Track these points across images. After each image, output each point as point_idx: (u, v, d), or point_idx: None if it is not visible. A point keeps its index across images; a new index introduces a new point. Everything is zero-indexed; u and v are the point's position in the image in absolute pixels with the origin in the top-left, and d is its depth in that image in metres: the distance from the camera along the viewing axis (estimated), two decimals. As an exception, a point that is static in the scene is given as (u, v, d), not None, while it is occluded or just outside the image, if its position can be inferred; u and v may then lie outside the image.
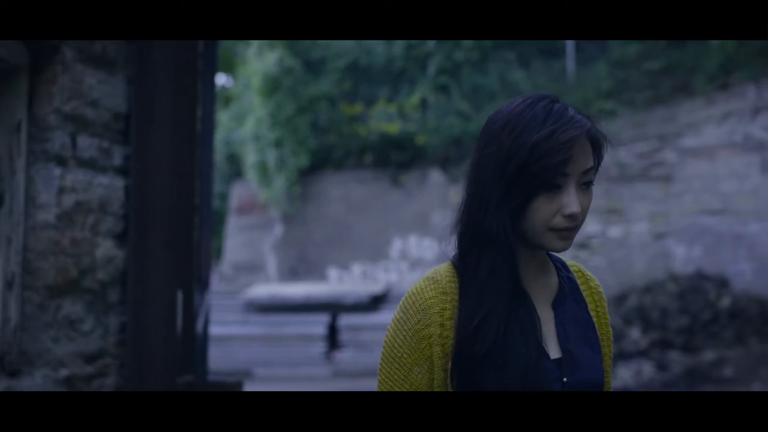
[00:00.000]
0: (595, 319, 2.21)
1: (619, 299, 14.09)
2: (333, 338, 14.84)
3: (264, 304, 15.17)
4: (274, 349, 14.69)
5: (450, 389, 2.03)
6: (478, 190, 2.07)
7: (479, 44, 15.88)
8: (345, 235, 15.71)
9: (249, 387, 12.75)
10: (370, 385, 12.69)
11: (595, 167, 2.07)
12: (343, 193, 15.79)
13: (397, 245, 15.48)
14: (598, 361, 2.15)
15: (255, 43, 16.17)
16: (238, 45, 18.03)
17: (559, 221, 2.01)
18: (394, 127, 15.45)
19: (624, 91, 15.37)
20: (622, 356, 12.71)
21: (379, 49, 16.20)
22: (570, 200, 2.01)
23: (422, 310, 2.06)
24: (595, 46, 15.86)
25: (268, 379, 13.95)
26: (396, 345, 2.08)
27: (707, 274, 14.09)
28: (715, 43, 15.64)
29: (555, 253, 2.24)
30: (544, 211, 2.01)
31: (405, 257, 15.44)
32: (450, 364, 2.03)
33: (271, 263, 16.18)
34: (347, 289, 15.15)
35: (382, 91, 16.05)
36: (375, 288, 15.10)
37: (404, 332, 2.07)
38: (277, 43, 15.67)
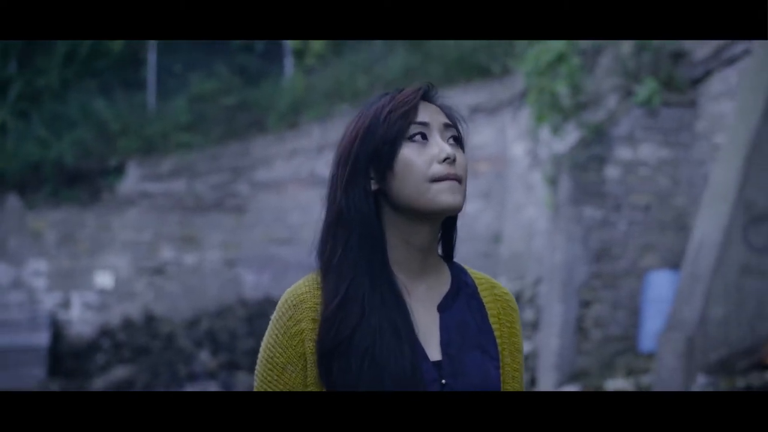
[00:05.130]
0: (497, 326, 2.09)
1: (192, 324, 14.65)
2: None
3: None
4: None
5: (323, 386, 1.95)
6: (329, 185, 2.04)
7: (61, 72, 15.94)
8: None
9: None
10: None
11: (455, 129, 2.05)
12: None
13: (-31, 270, 15.12)
14: (490, 367, 2.04)
15: None
16: None
17: (437, 169, 1.95)
18: (-32, 150, 15.10)
19: (201, 125, 15.98)
20: (191, 377, 13.38)
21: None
22: (441, 146, 1.97)
23: (294, 305, 1.97)
24: (176, 81, 16.39)
25: None
26: (269, 345, 1.99)
27: (274, 299, 14.88)
28: (286, 84, 16.79)
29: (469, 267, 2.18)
30: (417, 163, 1.96)
31: (-21, 282, 15.11)
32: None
33: None
34: None
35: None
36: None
37: (276, 330, 1.98)
38: None
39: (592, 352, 9.05)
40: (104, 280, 14.98)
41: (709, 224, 7.49)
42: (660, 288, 8.82)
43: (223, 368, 13.61)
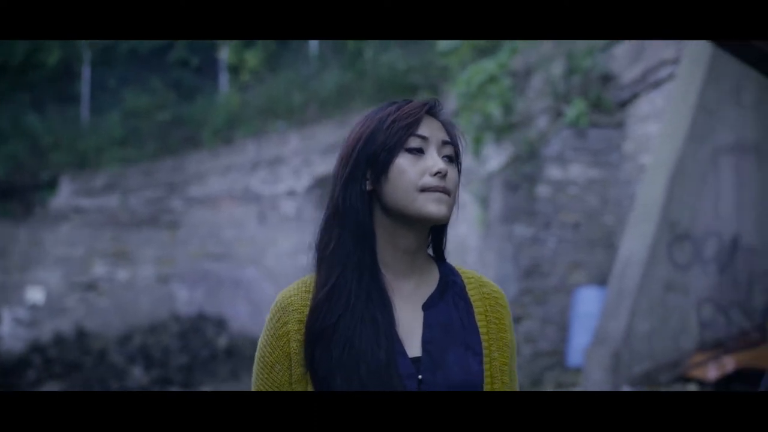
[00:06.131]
0: (483, 323, 2.16)
1: (124, 339, 14.55)
2: None
3: None
4: None
5: (308, 383, 2.05)
6: (332, 183, 2.14)
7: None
8: None
9: None
10: None
11: (454, 148, 2.14)
12: None
13: None
14: (473, 362, 2.10)
15: None
16: None
17: (428, 180, 2.04)
18: None
19: (135, 140, 15.92)
20: (124, 393, 13.25)
21: None
22: (435, 161, 2.07)
23: (282, 307, 2.09)
24: (110, 95, 16.34)
25: None
26: (261, 345, 2.11)
27: (208, 315, 14.94)
28: (221, 99, 16.82)
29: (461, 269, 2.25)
30: (410, 172, 2.05)
31: None
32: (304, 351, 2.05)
33: None
34: None
35: None
36: None
37: (267, 331, 2.10)
38: None
39: (522, 367, 9.20)
40: (35, 295, 14.83)
41: (635, 242, 7.71)
42: (588, 304, 9.02)
43: (156, 384, 13.52)
